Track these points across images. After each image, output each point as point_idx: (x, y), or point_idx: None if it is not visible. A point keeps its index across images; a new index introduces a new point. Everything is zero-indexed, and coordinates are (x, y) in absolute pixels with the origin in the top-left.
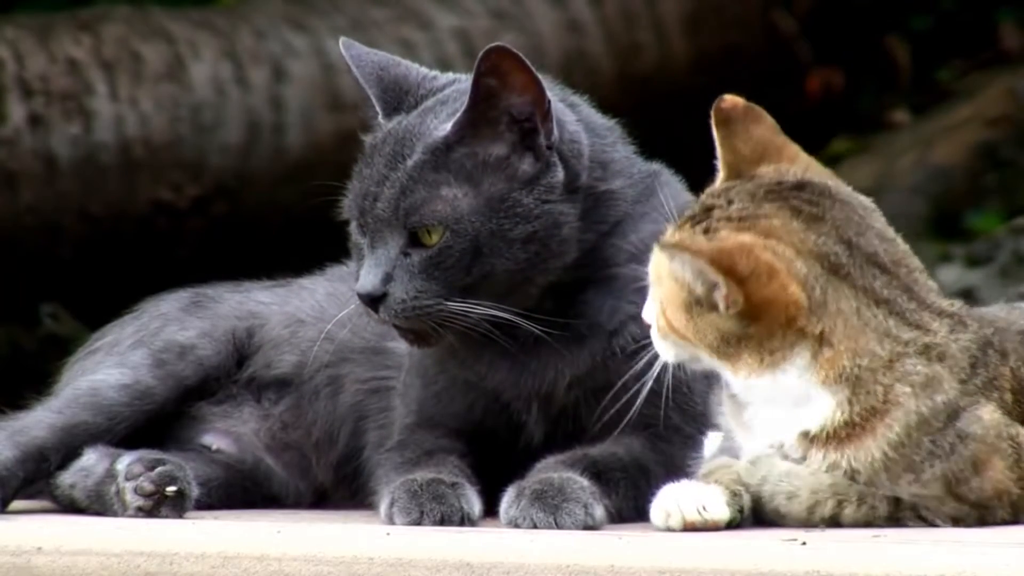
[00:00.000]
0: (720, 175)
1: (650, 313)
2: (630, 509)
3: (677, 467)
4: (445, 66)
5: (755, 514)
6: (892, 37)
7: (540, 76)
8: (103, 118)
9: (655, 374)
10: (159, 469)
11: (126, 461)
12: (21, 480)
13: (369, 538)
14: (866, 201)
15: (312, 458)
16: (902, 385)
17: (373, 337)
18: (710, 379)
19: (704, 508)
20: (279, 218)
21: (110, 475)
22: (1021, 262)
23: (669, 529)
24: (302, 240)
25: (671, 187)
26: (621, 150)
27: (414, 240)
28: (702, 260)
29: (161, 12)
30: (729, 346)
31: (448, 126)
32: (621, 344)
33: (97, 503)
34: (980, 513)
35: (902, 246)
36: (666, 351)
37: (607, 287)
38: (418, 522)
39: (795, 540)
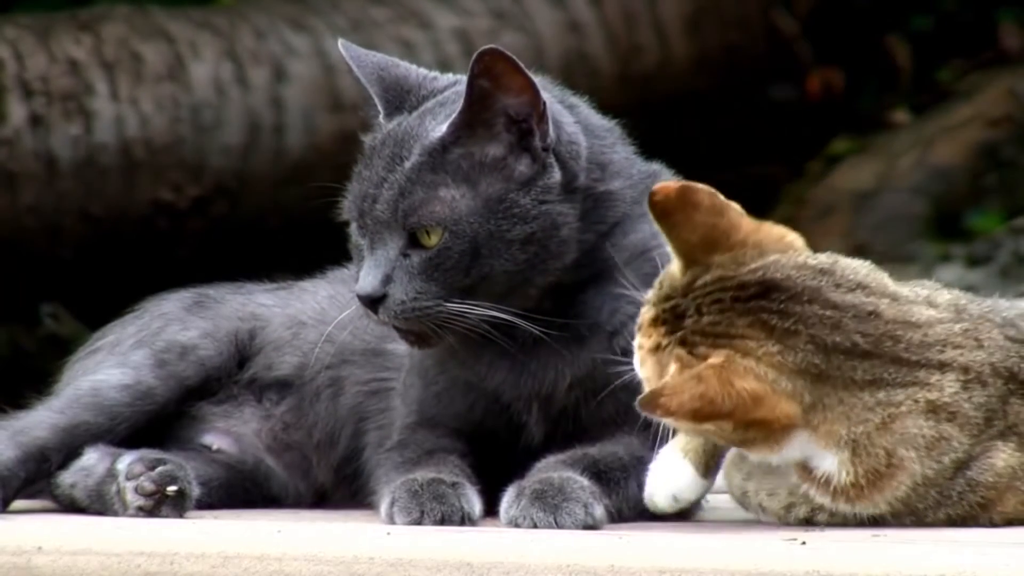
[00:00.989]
0: (675, 261)
1: (636, 368)
2: (630, 509)
3: None
4: (445, 66)
5: (741, 505)
6: (892, 37)
7: (537, 77)
8: (103, 118)
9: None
10: (160, 469)
11: (127, 461)
12: (22, 480)
13: (370, 538)
14: (825, 261)
15: (313, 459)
16: (905, 448)
17: (374, 339)
18: None
19: (676, 498)
20: (279, 219)
21: (111, 475)
22: (1021, 262)
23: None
24: (302, 241)
25: None
26: (620, 151)
27: (413, 241)
28: (684, 419)
29: (161, 12)
30: (736, 444)
31: (444, 127)
32: (621, 344)
33: (98, 503)
34: None
35: (877, 300)
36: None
37: (607, 287)
38: (419, 522)
39: (795, 540)
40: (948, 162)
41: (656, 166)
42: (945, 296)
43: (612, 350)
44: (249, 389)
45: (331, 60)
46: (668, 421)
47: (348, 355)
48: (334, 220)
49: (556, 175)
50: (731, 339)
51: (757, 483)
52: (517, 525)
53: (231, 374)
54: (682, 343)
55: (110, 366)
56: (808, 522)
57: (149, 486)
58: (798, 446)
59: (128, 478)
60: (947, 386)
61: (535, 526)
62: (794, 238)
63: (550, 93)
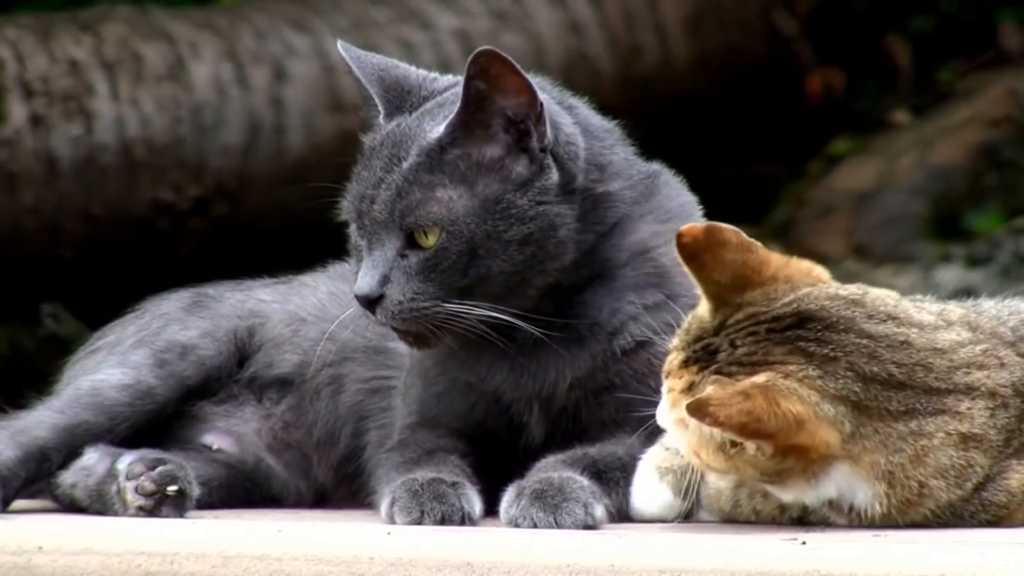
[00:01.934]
0: (704, 304)
1: (663, 414)
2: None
3: None
4: (446, 67)
5: (732, 519)
6: (892, 37)
7: (536, 78)
8: (104, 119)
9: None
10: (160, 468)
11: (127, 460)
12: (23, 480)
13: (370, 537)
14: (856, 292)
15: (313, 458)
16: (937, 480)
17: (375, 337)
18: None
19: (656, 518)
20: (279, 219)
21: (111, 474)
22: (1021, 262)
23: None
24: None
25: (671, 187)
26: (620, 151)
27: (411, 242)
28: (731, 431)
29: (162, 12)
30: (771, 475)
31: (441, 128)
32: (621, 344)
33: (98, 502)
34: None
35: (907, 330)
36: (712, 476)
37: (606, 288)
38: (419, 521)
39: (795, 540)
40: (948, 162)
41: (656, 166)
42: (957, 312)
43: (612, 350)
44: (249, 388)
45: (331, 60)
46: (714, 431)
47: (349, 353)
48: (334, 220)
49: (554, 176)
50: (770, 365)
51: (750, 487)
52: (517, 525)
53: (231, 373)
54: (717, 373)
55: (110, 366)
56: (800, 522)
57: (149, 486)
58: (836, 479)
59: (128, 478)
60: (977, 415)
61: (535, 526)
62: (821, 271)
63: (549, 94)
